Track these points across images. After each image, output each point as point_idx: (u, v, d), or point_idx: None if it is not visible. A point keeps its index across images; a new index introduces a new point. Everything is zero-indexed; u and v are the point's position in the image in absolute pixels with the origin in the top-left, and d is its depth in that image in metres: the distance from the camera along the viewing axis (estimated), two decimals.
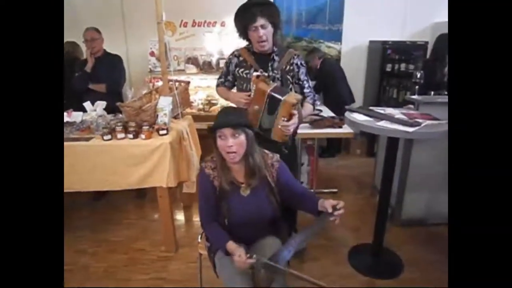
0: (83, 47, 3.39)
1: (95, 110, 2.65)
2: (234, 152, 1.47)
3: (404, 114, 2.20)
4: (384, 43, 4.20)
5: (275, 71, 2.04)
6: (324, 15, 4.43)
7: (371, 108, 2.34)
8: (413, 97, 2.59)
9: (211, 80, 4.26)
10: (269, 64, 2.04)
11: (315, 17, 4.45)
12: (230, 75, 2.15)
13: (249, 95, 1.95)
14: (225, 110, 1.61)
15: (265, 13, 1.90)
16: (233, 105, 2.02)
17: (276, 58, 2.05)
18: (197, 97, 4.24)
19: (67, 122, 2.52)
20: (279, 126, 1.86)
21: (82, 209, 3.13)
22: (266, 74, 2.00)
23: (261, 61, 2.04)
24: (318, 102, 2.16)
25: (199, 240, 1.84)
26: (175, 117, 2.62)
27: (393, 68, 4.28)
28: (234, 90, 2.20)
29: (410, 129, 1.89)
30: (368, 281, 2.23)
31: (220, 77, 2.23)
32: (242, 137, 1.48)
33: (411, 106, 2.63)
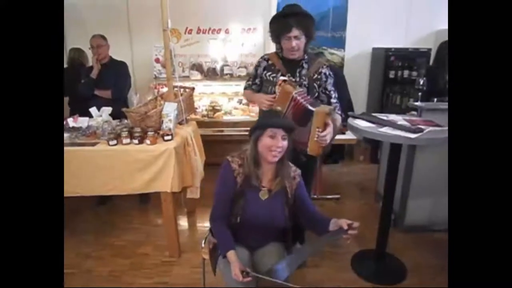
0: (89, 54, 3.46)
1: (101, 116, 2.69)
2: (280, 152, 1.53)
3: (406, 120, 2.21)
4: (387, 50, 4.22)
5: (303, 78, 2.05)
6: (328, 22, 4.46)
7: (374, 114, 2.36)
8: (416, 103, 2.61)
9: (215, 86, 4.31)
10: (297, 71, 2.06)
11: (318, 24, 4.46)
12: (258, 78, 2.18)
13: (274, 97, 1.96)
14: (275, 113, 1.70)
15: (301, 24, 1.93)
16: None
17: (305, 65, 2.07)
18: (202, 103, 4.28)
19: (73, 127, 2.56)
20: (315, 138, 1.83)
21: (86, 213, 3.15)
22: (293, 79, 2.02)
23: (289, 67, 2.06)
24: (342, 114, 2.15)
25: (203, 245, 1.85)
26: (180, 123, 2.65)
27: (396, 75, 4.29)
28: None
29: (413, 135, 1.91)
30: (371, 287, 2.22)
31: (248, 80, 2.27)
32: (287, 142, 1.54)
33: (414, 112, 2.64)
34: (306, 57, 2.08)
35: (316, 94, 2.08)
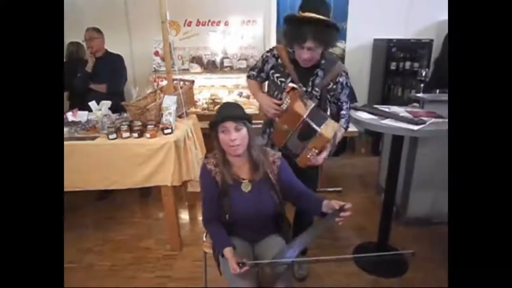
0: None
1: (100, 110, 2.67)
2: (238, 145, 1.48)
3: (409, 112, 2.19)
4: (389, 41, 4.17)
5: (316, 89, 1.81)
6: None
7: (375, 106, 2.33)
8: (418, 95, 2.58)
9: (215, 79, 4.28)
10: (310, 79, 1.81)
11: None
12: (264, 73, 1.95)
13: (280, 105, 1.77)
14: (225, 105, 1.64)
15: (318, 37, 1.64)
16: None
17: (320, 73, 1.81)
18: (202, 96, 4.25)
19: (73, 121, 2.54)
20: (308, 156, 1.70)
21: (86, 208, 3.15)
22: (304, 89, 1.79)
23: (302, 73, 1.80)
24: (350, 124, 1.99)
25: (204, 238, 1.85)
26: (180, 116, 2.63)
27: (398, 66, 4.25)
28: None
29: (415, 127, 1.89)
30: (372, 280, 2.23)
31: (253, 69, 2.01)
32: (244, 130, 1.49)
33: (416, 104, 2.61)
34: (322, 62, 1.81)
35: (328, 105, 1.88)
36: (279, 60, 1.86)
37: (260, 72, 1.97)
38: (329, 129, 1.66)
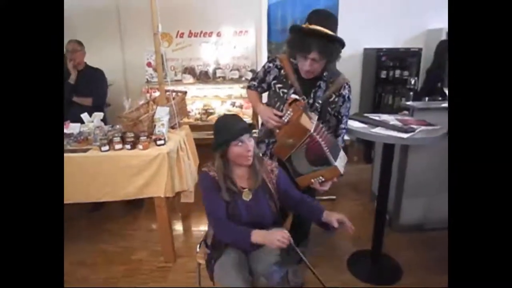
0: None
1: (92, 121, 2.66)
2: (252, 155, 1.54)
3: (399, 120, 2.22)
4: (379, 50, 4.24)
5: (318, 101, 1.82)
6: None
7: (366, 114, 2.37)
8: (408, 103, 2.62)
9: (208, 89, 4.30)
10: (313, 91, 1.82)
11: None
12: (265, 83, 1.94)
13: (281, 117, 1.74)
14: (228, 118, 1.64)
15: (324, 50, 1.65)
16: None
17: (322, 85, 1.82)
18: (194, 107, 4.26)
19: (65, 133, 2.53)
20: (312, 180, 1.71)
21: (79, 220, 3.11)
22: (305, 99, 1.79)
23: (305, 84, 1.81)
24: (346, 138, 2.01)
25: (198, 250, 1.84)
26: (173, 127, 2.64)
27: (388, 74, 4.31)
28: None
29: (405, 135, 1.92)
30: None
31: (253, 79, 2.01)
32: (253, 140, 1.55)
33: (406, 112, 2.65)
34: (325, 74, 1.82)
35: (328, 117, 1.89)
36: (282, 71, 1.86)
37: (261, 83, 1.96)
38: (342, 163, 1.71)
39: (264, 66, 1.95)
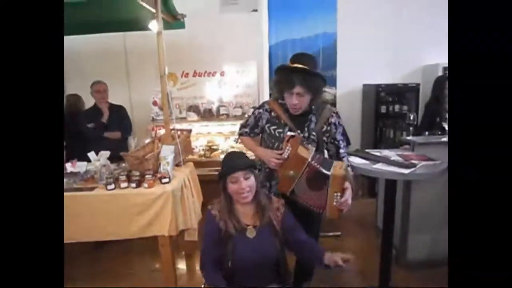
0: (86, 100, 3.66)
1: (98, 160, 2.71)
2: (248, 192, 1.55)
3: (400, 155, 2.26)
4: (378, 86, 4.36)
5: (312, 134, 1.91)
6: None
7: (367, 150, 2.41)
8: (409, 138, 2.67)
9: (212, 126, 4.39)
10: (306, 125, 1.92)
11: None
12: (258, 128, 2.03)
13: (280, 154, 1.81)
14: (231, 155, 1.69)
15: (306, 84, 1.79)
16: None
17: (313, 119, 1.93)
18: (198, 144, 4.33)
19: (71, 172, 2.57)
20: (334, 203, 1.71)
21: (82, 259, 3.08)
22: (302, 135, 1.88)
23: (297, 121, 1.91)
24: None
25: None
26: (177, 165, 2.68)
27: (388, 109, 4.40)
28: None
29: (406, 171, 1.94)
30: None
31: (245, 126, 2.09)
32: (252, 178, 1.56)
33: (407, 146, 2.69)
34: (313, 108, 1.93)
35: (325, 146, 1.97)
36: (273, 113, 1.97)
37: (253, 129, 2.06)
38: (338, 168, 1.72)
39: (254, 113, 2.06)
